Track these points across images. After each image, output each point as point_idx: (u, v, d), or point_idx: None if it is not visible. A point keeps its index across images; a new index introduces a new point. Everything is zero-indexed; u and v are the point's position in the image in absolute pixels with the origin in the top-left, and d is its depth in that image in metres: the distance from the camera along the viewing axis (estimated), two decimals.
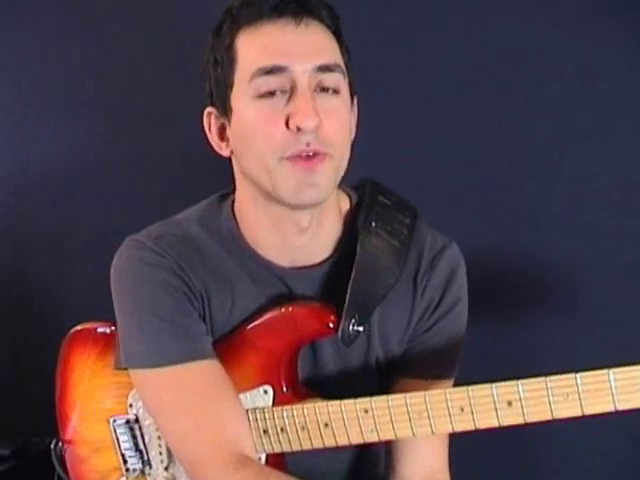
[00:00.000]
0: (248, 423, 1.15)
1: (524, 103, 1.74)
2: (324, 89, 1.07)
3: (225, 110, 1.11)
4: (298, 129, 1.04)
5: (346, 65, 1.11)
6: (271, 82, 1.05)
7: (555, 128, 1.74)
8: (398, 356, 1.23)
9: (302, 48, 1.05)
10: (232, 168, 1.19)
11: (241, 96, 1.08)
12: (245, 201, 1.18)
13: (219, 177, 1.28)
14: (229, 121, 1.11)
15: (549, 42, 1.72)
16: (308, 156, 1.06)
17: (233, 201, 1.23)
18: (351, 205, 1.23)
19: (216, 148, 1.17)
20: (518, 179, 1.78)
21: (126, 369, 1.18)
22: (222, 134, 1.15)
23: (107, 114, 2.02)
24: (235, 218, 1.21)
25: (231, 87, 1.08)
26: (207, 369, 1.14)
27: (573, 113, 1.72)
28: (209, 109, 1.15)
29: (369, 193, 1.22)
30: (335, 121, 1.08)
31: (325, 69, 1.06)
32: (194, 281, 1.17)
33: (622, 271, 1.73)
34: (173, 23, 1.94)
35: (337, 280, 1.18)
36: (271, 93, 1.05)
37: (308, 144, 1.05)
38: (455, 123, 1.77)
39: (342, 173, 1.14)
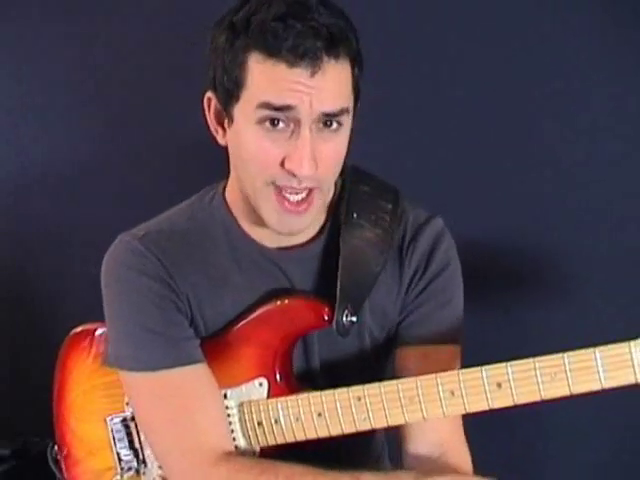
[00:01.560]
0: (228, 424, 1.16)
1: (525, 97, 1.75)
2: (327, 125, 1.06)
3: (226, 112, 1.10)
4: (293, 174, 1.05)
5: (355, 88, 1.09)
6: (276, 116, 1.03)
7: (555, 118, 1.75)
8: (395, 328, 1.23)
9: (314, 95, 1.02)
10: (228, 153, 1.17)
11: (244, 115, 1.06)
12: (237, 190, 1.18)
13: (219, 177, 1.28)
14: (228, 123, 1.11)
15: (553, 41, 1.72)
16: (297, 202, 1.08)
17: (224, 187, 1.23)
18: (335, 190, 1.22)
19: (212, 131, 1.15)
20: (513, 167, 1.78)
21: (112, 367, 1.19)
22: (220, 120, 1.13)
23: (107, 114, 2.03)
24: (226, 202, 1.21)
25: (236, 100, 1.06)
26: (190, 374, 1.14)
27: (575, 107, 1.73)
28: (210, 95, 1.12)
29: (350, 182, 1.22)
30: (332, 159, 1.09)
31: (331, 115, 1.05)
32: (180, 284, 1.17)
33: (616, 259, 1.73)
34: (173, 23, 1.95)
35: (327, 264, 1.19)
36: (274, 125, 1.04)
37: (300, 182, 1.06)
38: (457, 116, 1.78)
39: (331, 192, 1.16)
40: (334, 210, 1.22)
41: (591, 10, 1.69)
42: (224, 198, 1.22)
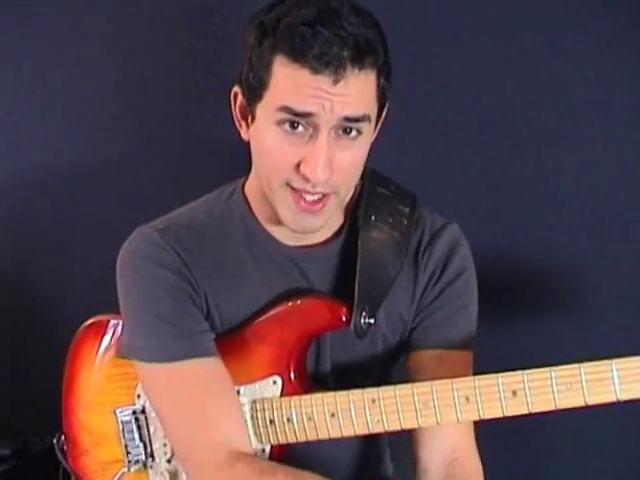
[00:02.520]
0: (243, 419, 1.17)
1: (528, 99, 1.76)
2: (346, 131, 1.07)
3: (250, 109, 1.11)
4: (307, 179, 1.06)
5: (380, 97, 1.09)
6: (296, 120, 1.04)
7: (559, 123, 1.76)
8: (408, 332, 1.25)
9: (336, 102, 1.03)
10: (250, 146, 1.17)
11: (265, 115, 1.07)
12: (257, 186, 1.19)
13: (220, 177, 1.29)
14: (251, 119, 1.11)
15: (553, 42, 1.73)
16: (313, 201, 1.09)
17: (244, 184, 1.25)
18: (354, 192, 1.24)
19: (236, 124, 1.16)
20: (520, 176, 1.79)
21: (127, 358, 1.21)
22: (244, 115, 1.14)
23: (107, 114, 2.02)
24: (246, 198, 1.23)
25: (259, 99, 1.07)
26: (204, 366, 1.15)
27: (579, 111, 1.74)
28: (237, 89, 1.14)
29: (368, 183, 1.23)
30: (348, 167, 1.09)
31: (351, 120, 1.05)
32: (198, 278, 1.18)
33: (628, 269, 1.75)
34: (174, 23, 1.95)
35: (345, 264, 1.20)
36: (293, 127, 1.05)
37: (314, 186, 1.07)
38: (460, 120, 1.79)
39: (348, 196, 1.16)
40: (352, 211, 1.23)
41: (593, 12, 1.70)
42: (244, 194, 1.23)
